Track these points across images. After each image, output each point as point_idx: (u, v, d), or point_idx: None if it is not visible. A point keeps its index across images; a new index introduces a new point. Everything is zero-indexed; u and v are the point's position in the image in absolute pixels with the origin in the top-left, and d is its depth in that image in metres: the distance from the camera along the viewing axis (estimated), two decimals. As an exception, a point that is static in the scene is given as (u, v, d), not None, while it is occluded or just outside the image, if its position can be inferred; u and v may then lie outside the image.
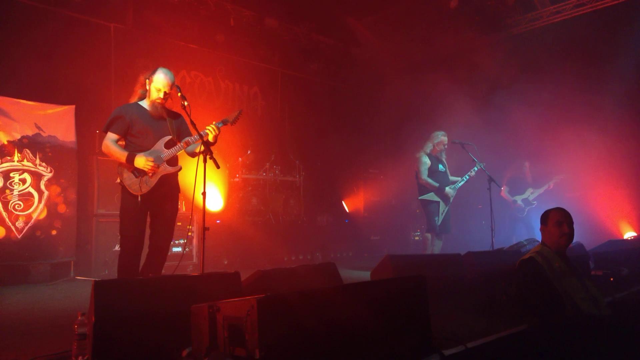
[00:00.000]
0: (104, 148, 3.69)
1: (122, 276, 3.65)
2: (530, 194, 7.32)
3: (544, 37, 8.27)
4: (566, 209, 3.30)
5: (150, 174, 3.59)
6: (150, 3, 7.22)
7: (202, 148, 3.56)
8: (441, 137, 6.22)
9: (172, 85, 3.68)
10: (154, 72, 3.69)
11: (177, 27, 7.55)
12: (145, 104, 3.76)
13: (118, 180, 3.70)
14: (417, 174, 6.19)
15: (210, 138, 3.61)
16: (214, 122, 3.68)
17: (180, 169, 3.77)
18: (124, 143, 3.74)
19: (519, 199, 7.30)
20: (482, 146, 6.36)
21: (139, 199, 3.57)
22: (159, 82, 3.64)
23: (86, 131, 6.21)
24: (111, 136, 3.68)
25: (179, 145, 3.69)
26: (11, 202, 5.44)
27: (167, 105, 3.80)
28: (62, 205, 5.81)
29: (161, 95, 3.64)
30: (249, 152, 7.69)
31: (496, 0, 8.17)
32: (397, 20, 8.89)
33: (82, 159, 6.10)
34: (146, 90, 3.73)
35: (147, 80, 3.70)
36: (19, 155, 5.54)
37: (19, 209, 5.49)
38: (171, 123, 3.76)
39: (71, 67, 6.29)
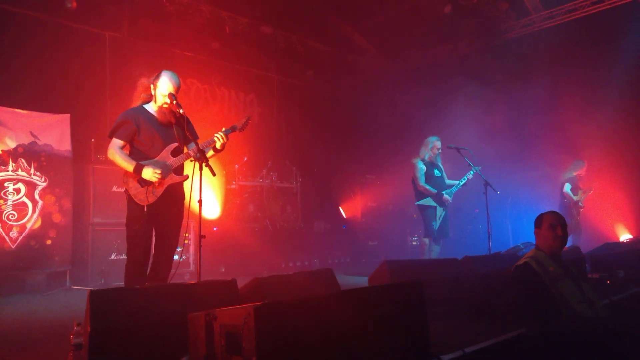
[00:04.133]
0: (109, 155, 3.58)
1: (129, 286, 3.55)
2: (581, 196, 7.18)
3: (537, 42, 8.33)
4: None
5: (156, 184, 3.51)
6: (145, 11, 7.24)
7: (212, 153, 3.60)
8: (435, 141, 6.23)
9: (178, 89, 3.60)
10: (158, 76, 3.60)
11: (173, 35, 7.56)
12: (151, 108, 3.66)
13: (123, 189, 3.61)
14: (414, 180, 6.21)
15: (218, 146, 3.58)
16: (223, 129, 3.61)
17: (187, 177, 3.65)
18: (129, 149, 3.64)
19: (575, 199, 7.15)
20: (477, 149, 6.38)
21: (145, 209, 3.49)
22: (165, 87, 3.56)
23: (81, 140, 6.19)
24: (117, 142, 3.57)
25: (186, 154, 3.60)
26: (5, 212, 5.41)
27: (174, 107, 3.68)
28: (57, 214, 5.79)
29: (167, 100, 3.55)
30: (245, 158, 7.69)
31: (490, 6, 8.23)
32: (393, 26, 8.94)
33: (78, 167, 6.08)
34: (151, 95, 3.64)
35: (152, 85, 3.62)
36: (13, 164, 5.52)
37: (13, 219, 5.47)
38: (178, 129, 3.67)
39: (66, 75, 6.30)
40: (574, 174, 7.21)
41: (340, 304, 2.19)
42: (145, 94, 3.69)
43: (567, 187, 7.14)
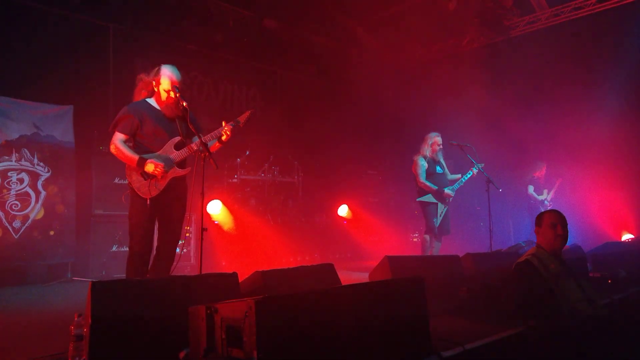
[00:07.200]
0: (112, 149, 3.56)
1: (131, 278, 3.54)
2: (546, 194, 7.52)
3: (542, 39, 8.28)
4: (564, 211, 3.31)
5: (159, 177, 3.52)
6: (149, 3, 7.21)
7: (215, 143, 3.62)
8: (435, 138, 6.19)
9: (179, 82, 3.60)
10: (158, 71, 3.61)
11: (176, 28, 7.54)
12: (155, 102, 3.66)
13: (126, 182, 3.62)
14: (416, 177, 6.19)
15: (224, 138, 3.63)
16: (224, 123, 3.63)
17: (190, 170, 3.69)
18: (132, 143, 3.63)
19: (541, 198, 7.51)
20: (480, 147, 6.35)
21: (148, 202, 3.49)
22: (166, 82, 3.57)
23: (84, 131, 6.20)
24: (119, 136, 3.55)
25: (189, 147, 3.60)
26: (8, 201, 5.42)
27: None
28: (60, 205, 5.80)
29: (172, 95, 3.56)
30: (247, 152, 7.68)
31: (494, 3, 8.18)
32: (396, 21, 8.90)
33: (80, 159, 6.09)
34: (153, 90, 3.65)
35: (154, 82, 3.62)
36: (16, 154, 5.53)
37: (16, 209, 5.47)
38: (181, 122, 3.66)
39: (70, 67, 6.29)
40: (534, 175, 7.60)
41: (341, 299, 2.20)
42: (145, 90, 3.68)
43: (530, 189, 7.56)
